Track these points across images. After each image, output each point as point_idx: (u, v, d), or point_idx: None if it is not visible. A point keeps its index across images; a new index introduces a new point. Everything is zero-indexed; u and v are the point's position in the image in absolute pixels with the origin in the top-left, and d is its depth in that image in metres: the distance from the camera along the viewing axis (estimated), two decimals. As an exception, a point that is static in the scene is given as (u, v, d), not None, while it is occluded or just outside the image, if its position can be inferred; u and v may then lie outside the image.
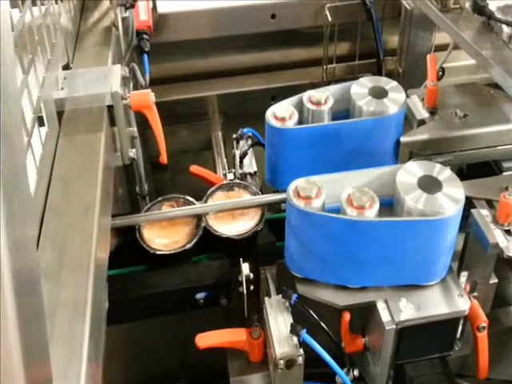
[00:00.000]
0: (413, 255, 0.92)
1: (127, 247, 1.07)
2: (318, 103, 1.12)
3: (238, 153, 1.28)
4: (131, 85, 1.26)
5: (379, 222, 0.90)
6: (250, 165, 1.28)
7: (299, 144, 1.10)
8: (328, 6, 1.57)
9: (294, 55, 1.72)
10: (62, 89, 0.97)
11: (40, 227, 0.75)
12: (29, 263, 0.49)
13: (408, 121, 1.19)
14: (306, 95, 1.14)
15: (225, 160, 1.61)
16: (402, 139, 1.13)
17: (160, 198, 1.13)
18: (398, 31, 1.60)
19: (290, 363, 0.93)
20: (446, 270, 0.96)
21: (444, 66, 1.40)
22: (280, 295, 0.98)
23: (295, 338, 0.93)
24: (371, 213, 0.90)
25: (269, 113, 1.11)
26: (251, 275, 1.00)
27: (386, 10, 1.63)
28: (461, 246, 1.01)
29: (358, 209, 0.90)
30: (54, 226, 0.76)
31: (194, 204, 1.11)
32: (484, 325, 0.93)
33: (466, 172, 1.19)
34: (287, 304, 0.97)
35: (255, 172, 1.26)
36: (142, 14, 1.38)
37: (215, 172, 1.54)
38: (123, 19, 1.27)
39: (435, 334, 0.94)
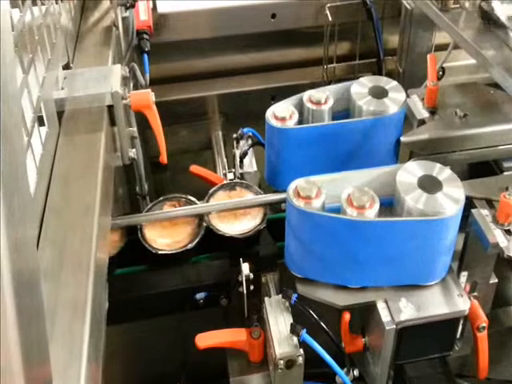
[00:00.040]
0: (413, 255, 0.92)
1: (129, 247, 1.07)
2: (318, 103, 1.12)
3: (237, 153, 1.28)
4: (131, 85, 1.27)
5: (379, 222, 0.90)
6: (250, 165, 1.28)
7: (299, 144, 1.10)
8: (328, 5, 1.57)
9: (294, 55, 1.72)
10: (62, 89, 0.97)
11: (40, 227, 0.75)
12: (29, 263, 0.49)
13: (408, 121, 1.19)
14: (306, 95, 1.14)
15: (225, 160, 1.61)
16: (402, 139, 1.13)
17: (161, 198, 1.13)
18: (398, 31, 1.60)
19: (289, 363, 0.93)
20: (446, 270, 0.96)
21: (444, 65, 1.41)
22: (280, 295, 0.98)
23: (295, 338, 0.93)
24: (371, 213, 0.90)
25: (269, 113, 1.11)
26: (251, 275, 1.00)
27: (386, 10, 1.63)
28: (461, 246, 1.01)
29: (358, 209, 0.90)
30: (53, 226, 0.76)
31: (195, 204, 1.11)
32: (484, 325, 0.93)
33: (465, 172, 1.19)
34: (287, 304, 0.97)
35: (255, 172, 1.27)
36: (142, 14, 1.38)
37: (215, 172, 1.54)
38: (123, 19, 1.27)
39: (435, 334, 0.94)
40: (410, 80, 1.52)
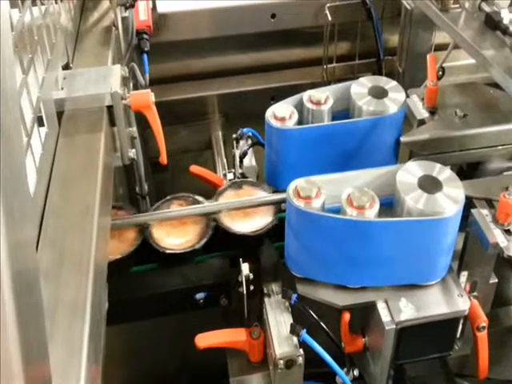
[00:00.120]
0: (413, 255, 0.92)
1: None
2: (318, 103, 1.12)
3: (237, 153, 1.28)
4: (131, 85, 1.26)
5: (379, 222, 0.90)
6: (250, 165, 1.28)
7: (299, 144, 1.10)
8: (328, 5, 1.57)
9: (293, 55, 1.72)
10: (62, 89, 0.97)
11: (40, 227, 0.75)
12: (28, 263, 0.49)
13: (408, 121, 1.19)
14: (305, 95, 1.14)
15: (225, 160, 1.61)
16: (402, 139, 1.13)
17: (169, 197, 1.13)
18: (397, 31, 1.60)
19: (289, 363, 0.93)
20: (446, 269, 0.96)
21: (444, 65, 1.41)
22: (280, 295, 0.98)
23: (295, 338, 0.93)
24: (371, 213, 0.90)
25: (269, 113, 1.11)
26: (251, 275, 1.00)
27: (385, 10, 1.63)
28: (461, 246, 1.01)
29: (357, 209, 0.90)
30: (53, 226, 0.76)
31: (202, 203, 1.11)
32: (484, 325, 0.93)
33: (466, 172, 1.19)
34: (287, 304, 0.97)
35: (253, 167, 1.27)
36: (142, 14, 1.38)
37: (215, 172, 1.54)
38: (123, 19, 1.27)
39: (435, 334, 0.94)
40: (410, 80, 1.53)
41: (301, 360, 0.93)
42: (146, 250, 1.04)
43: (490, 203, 0.98)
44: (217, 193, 1.14)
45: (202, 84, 1.69)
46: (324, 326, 0.92)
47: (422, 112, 1.19)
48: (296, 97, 1.15)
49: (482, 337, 0.94)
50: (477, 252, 0.99)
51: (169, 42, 1.58)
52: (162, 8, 1.54)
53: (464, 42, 1.16)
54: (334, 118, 1.15)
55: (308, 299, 0.95)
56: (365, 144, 1.11)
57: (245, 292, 1.00)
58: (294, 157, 1.11)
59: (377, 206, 0.91)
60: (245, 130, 1.30)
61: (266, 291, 1.02)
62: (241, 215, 1.09)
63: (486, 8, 1.17)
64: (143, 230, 1.06)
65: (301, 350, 0.92)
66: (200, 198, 1.12)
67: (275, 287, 1.02)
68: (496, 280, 1.04)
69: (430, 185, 0.92)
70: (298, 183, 0.93)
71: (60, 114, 0.94)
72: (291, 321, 0.95)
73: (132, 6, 1.26)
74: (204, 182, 1.25)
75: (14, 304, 0.44)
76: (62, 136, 0.91)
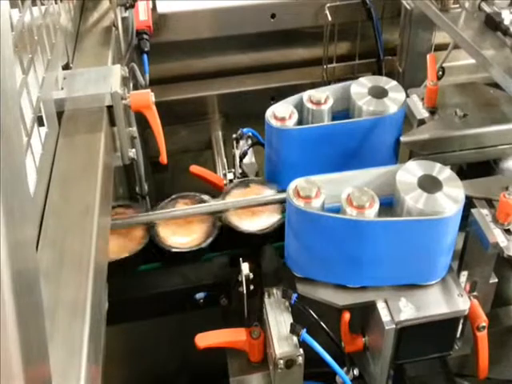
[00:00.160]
0: (413, 255, 0.92)
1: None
2: (318, 103, 1.12)
3: (237, 153, 1.29)
4: (131, 85, 1.26)
5: (379, 222, 0.90)
6: (250, 162, 1.28)
7: (299, 144, 1.10)
8: (328, 5, 1.57)
9: (293, 55, 1.72)
10: (62, 89, 0.97)
11: (40, 227, 0.75)
12: (28, 263, 0.49)
13: (408, 120, 1.19)
14: (305, 95, 1.14)
15: (225, 160, 1.61)
16: (402, 139, 1.13)
17: (174, 196, 1.13)
18: (397, 31, 1.60)
19: (289, 363, 0.93)
20: (446, 269, 0.96)
21: (444, 65, 1.41)
22: (280, 295, 0.98)
23: (295, 338, 0.93)
24: (371, 213, 0.90)
25: (269, 113, 1.11)
26: (251, 275, 1.00)
27: (385, 10, 1.63)
28: (461, 246, 1.01)
29: (357, 209, 0.90)
30: (53, 226, 0.76)
31: (208, 202, 1.11)
32: (484, 324, 0.93)
33: (466, 172, 1.19)
34: (287, 304, 0.97)
35: (253, 164, 1.27)
36: (142, 14, 1.38)
37: (215, 172, 1.54)
38: (123, 19, 1.27)
39: (435, 334, 0.94)
40: (410, 80, 1.53)
41: (301, 360, 0.93)
42: (152, 248, 1.04)
43: (490, 203, 0.98)
44: (224, 191, 1.14)
45: (202, 84, 1.69)
46: (324, 326, 0.92)
47: (422, 112, 1.19)
48: (296, 97, 1.15)
49: (482, 337, 0.94)
50: (477, 252, 0.99)
51: (169, 42, 1.58)
52: (161, 8, 1.54)
53: (464, 41, 1.16)
54: (334, 118, 1.15)
55: (308, 299, 0.95)
56: (365, 144, 1.11)
57: (245, 292, 1.00)
58: (294, 157, 1.11)
59: (377, 206, 0.91)
60: (245, 130, 1.30)
61: (266, 291, 1.02)
62: (248, 214, 1.09)
63: (486, 8, 1.17)
64: (151, 228, 1.06)
65: (301, 350, 0.92)
66: (206, 197, 1.12)
67: (275, 288, 1.02)
68: (496, 280, 1.04)
69: (429, 184, 0.92)
70: (297, 183, 0.93)
71: (60, 114, 0.94)
72: (291, 320, 0.95)
73: (132, 6, 1.26)
74: (204, 181, 1.25)
75: (14, 304, 0.44)
76: (62, 136, 0.91)
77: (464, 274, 1.02)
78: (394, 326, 0.90)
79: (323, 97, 1.12)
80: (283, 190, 0.99)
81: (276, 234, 1.06)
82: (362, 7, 1.59)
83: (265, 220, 1.08)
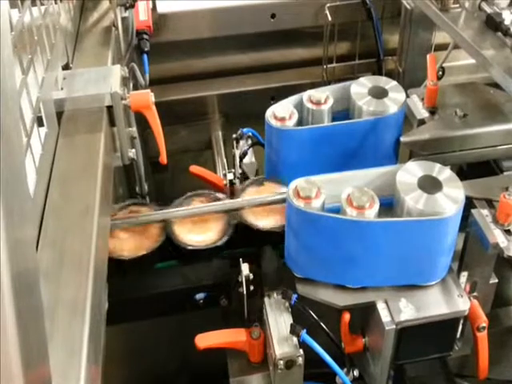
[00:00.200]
0: (413, 255, 0.92)
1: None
2: (318, 103, 1.12)
3: (237, 153, 1.28)
4: (131, 85, 1.26)
5: (379, 222, 0.90)
6: (250, 162, 1.28)
7: (299, 144, 1.10)
8: (328, 5, 1.57)
9: (293, 55, 1.72)
10: (62, 89, 0.97)
11: (40, 227, 0.75)
12: (28, 264, 0.49)
13: (408, 120, 1.19)
14: (305, 95, 1.14)
15: (225, 160, 1.61)
16: (402, 139, 1.13)
17: (190, 194, 1.13)
18: (397, 31, 1.60)
19: (289, 363, 0.92)
20: (446, 270, 0.96)
21: (444, 65, 1.41)
22: (280, 295, 0.98)
23: (295, 339, 0.93)
24: (371, 213, 0.90)
25: (268, 113, 1.11)
26: (251, 275, 1.00)
27: (385, 10, 1.63)
28: (461, 246, 1.01)
29: (357, 209, 0.90)
30: (53, 226, 0.76)
31: (223, 200, 1.11)
32: (484, 325, 0.93)
33: (466, 172, 1.19)
34: (287, 304, 0.97)
35: (253, 163, 1.27)
36: (142, 14, 1.38)
37: (215, 172, 1.54)
38: (123, 19, 1.27)
39: (435, 335, 0.94)
40: (410, 80, 1.53)
41: (301, 360, 0.93)
42: (169, 246, 1.04)
43: (490, 203, 0.98)
44: (239, 190, 1.14)
45: (202, 84, 1.69)
46: (324, 327, 0.92)
47: (422, 112, 1.19)
48: (296, 97, 1.15)
49: (482, 337, 0.94)
50: (477, 252, 0.99)
51: (169, 42, 1.58)
52: (161, 8, 1.54)
53: (464, 41, 1.16)
54: (333, 118, 1.15)
55: (308, 299, 0.95)
56: (365, 144, 1.11)
57: (245, 292, 1.00)
58: (294, 157, 1.11)
59: (377, 206, 0.90)
60: (245, 130, 1.30)
61: (266, 292, 1.02)
62: (263, 212, 1.09)
63: (486, 8, 1.17)
64: (166, 226, 1.06)
65: (301, 351, 0.92)
66: (221, 195, 1.12)
67: (275, 288, 1.02)
68: (496, 280, 1.04)
69: (429, 185, 0.92)
70: (297, 183, 0.93)
71: (60, 114, 0.94)
72: (291, 321, 0.95)
73: (132, 6, 1.26)
74: (204, 182, 1.25)
75: (14, 305, 0.44)
76: (62, 136, 0.91)
77: (464, 275, 1.02)
78: (394, 327, 0.90)
79: (323, 97, 1.12)
80: (283, 190, 0.99)
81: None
82: (362, 7, 1.59)
83: (280, 218, 1.07)
